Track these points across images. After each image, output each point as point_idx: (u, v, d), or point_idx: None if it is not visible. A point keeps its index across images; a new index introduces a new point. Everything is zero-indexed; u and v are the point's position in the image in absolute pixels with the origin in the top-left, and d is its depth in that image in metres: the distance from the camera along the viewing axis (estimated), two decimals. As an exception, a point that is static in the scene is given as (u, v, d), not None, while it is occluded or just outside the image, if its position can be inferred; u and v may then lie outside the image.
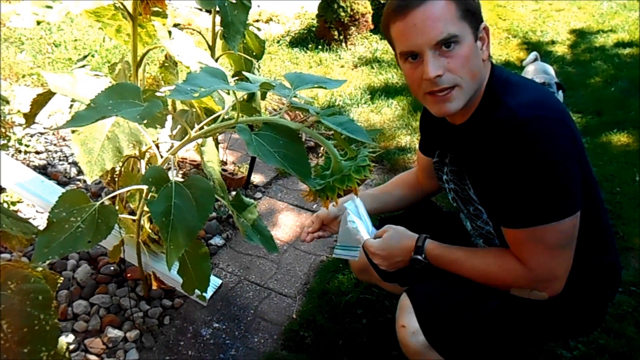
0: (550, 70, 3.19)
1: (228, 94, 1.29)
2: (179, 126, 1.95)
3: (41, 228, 1.12)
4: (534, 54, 3.39)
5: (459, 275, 1.21)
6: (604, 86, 3.66)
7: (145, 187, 1.31)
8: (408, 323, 1.18)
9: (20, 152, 2.42)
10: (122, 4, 1.40)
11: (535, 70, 3.13)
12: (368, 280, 1.61)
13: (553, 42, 4.53)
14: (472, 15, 1.04)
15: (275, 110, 2.99)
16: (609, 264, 1.23)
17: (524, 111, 1.01)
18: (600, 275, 1.22)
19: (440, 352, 1.17)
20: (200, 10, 4.39)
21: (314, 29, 4.42)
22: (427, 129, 1.40)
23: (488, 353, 1.22)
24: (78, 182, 2.30)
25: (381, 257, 1.25)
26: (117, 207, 1.55)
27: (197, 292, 1.46)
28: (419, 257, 1.20)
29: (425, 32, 1.01)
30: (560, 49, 4.39)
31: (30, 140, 2.51)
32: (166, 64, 1.75)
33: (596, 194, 1.19)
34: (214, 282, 1.87)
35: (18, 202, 2.07)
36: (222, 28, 1.69)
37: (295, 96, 0.94)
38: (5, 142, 2.41)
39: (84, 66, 1.51)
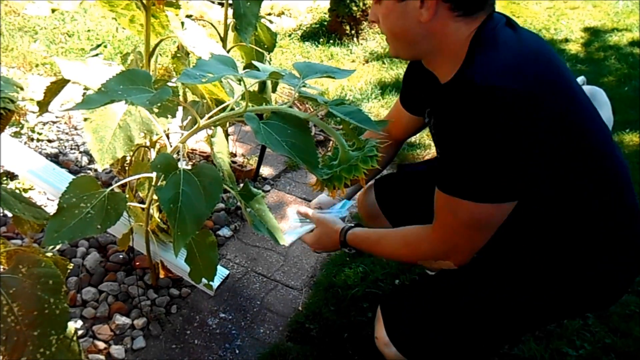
0: (601, 96, 2.60)
1: (239, 83, 1.30)
2: (190, 117, 1.96)
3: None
4: (581, 79, 2.80)
5: (438, 282, 1.25)
6: (617, 85, 3.62)
7: (154, 175, 1.33)
8: (380, 335, 1.20)
9: (32, 139, 2.44)
10: (135, -7, 1.41)
11: None
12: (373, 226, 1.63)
13: (566, 40, 4.49)
14: None
15: (284, 103, 3.00)
16: (601, 273, 1.10)
17: (483, 77, 0.91)
18: (587, 286, 1.12)
19: None
20: (213, 2, 4.40)
21: (325, 23, 4.42)
22: (413, 82, 1.33)
23: (466, 355, 1.21)
24: (89, 171, 2.32)
25: (320, 249, 1.42)
26: (126, 196, 1.56)
27: (204, 281, 1.47)
28: (346, 250, 1.32)
29: None
30: (574, 47, 4.35)
31: (42, 129, 2.54)
32: (178, 55, 1.76)
33: (602, 186, 1.06)
34: (221, 272, 1.88)
35: (30, 189, 2.09)
36: (234, 20, 1.70)
37: (304, 85, 0.94)
38: (19, 129, 2.44)
39: (97, 55, 1.52)
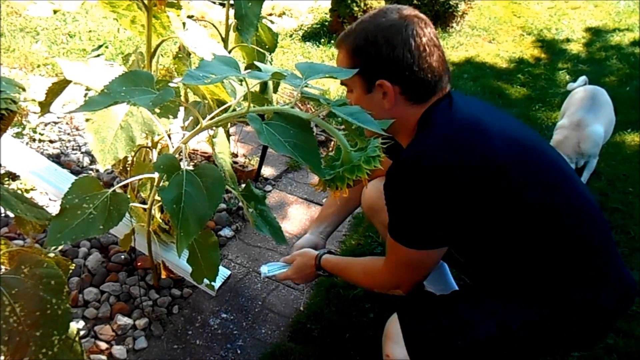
0: (602, 96, 2.59)
1: (240, 83, 1.30)
2: (191, 117, 1.96)
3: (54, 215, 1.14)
4: (582, 79, 2.77)
5: (452, 303, 1.28)
6: (618, 85, 3.62)
7: (156, 176, 1.33)
8: (392, 352, 1.19)
9: (34, 140, 2.44)
10: (137, -6, 1.41)
11: (582, 98, 2.58)
12: (372, 218, 1.72)
13: (568, 40, 4.49)
14: (361, 72, 1.14)
15: (286, 103, 3.00)
16: (584, 302, 1.17)
17: (405, 155, 1.14)
18: (573, 312, 1.16)
19: None
20: (214, 3, 4.41)
21: (327, 23, 4.42)
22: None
23: None
24: (90, 172, 2.32)
25: (300, 280, 1.56)
26: (128, 196, 1.56)
27: (206, 281, 1.47)
28: (320, 272, 1.48)
29: None
30: (575, 47, 4.35)
31: (44, 129, 2.54)
32: (180, 55, 1.76)
33: (553, 232, 1.16)
34: (223, 272, 1.88)
35: (31, 189, 2.10)
36: (235, 20, 1.70)
37: (306, 86, 0.94)
38: (20, 130, 2.45)
39: (98, 56, 1.52)
